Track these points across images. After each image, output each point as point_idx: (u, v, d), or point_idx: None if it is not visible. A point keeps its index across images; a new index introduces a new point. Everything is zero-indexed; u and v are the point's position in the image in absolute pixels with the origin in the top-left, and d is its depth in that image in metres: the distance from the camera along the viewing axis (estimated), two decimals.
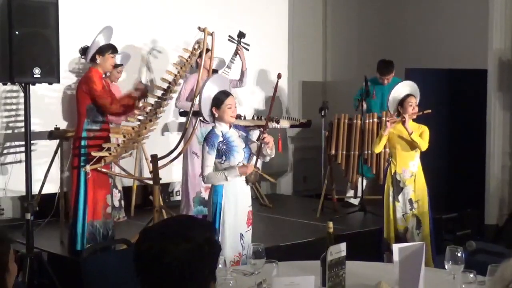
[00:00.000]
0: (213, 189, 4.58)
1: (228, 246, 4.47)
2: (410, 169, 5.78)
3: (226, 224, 4.50)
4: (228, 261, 4.41)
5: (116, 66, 6.50)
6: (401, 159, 5.79)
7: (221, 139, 4.47)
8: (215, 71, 6.54)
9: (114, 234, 5.76)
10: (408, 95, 5.76)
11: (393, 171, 5.82)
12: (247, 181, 4.57)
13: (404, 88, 5.84)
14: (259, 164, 4.88)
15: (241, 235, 4.56)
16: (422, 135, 5.72)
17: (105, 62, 5.60)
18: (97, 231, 5.62)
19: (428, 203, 5.83)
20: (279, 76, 5.39)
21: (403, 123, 5.70)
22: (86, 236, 5.55)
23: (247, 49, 7.02)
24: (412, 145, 5.73)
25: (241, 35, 7.01)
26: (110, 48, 5.61)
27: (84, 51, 5.75)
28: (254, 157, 4.69)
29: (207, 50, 6.12)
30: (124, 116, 6.12)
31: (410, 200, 5.79)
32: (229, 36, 6.95)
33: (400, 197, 5.81)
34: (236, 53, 6.95)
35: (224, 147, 4.47)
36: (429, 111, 5.78)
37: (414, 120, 5.80)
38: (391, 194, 5.84)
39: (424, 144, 5.71)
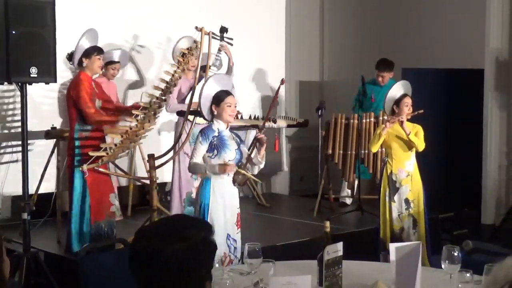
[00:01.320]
0: (200, 190, 4.60)
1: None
2: (406, 169, 5.78)
3: (214, 225, 4.49)
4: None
5: (111, 62, 6.49)
6: (397, 159, 5.79)
7: (216, 134, 4.55)
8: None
9: (116, 234, 5.75)
10: (404, 95, 5.77)
11: (389, 171, 5.82)
12: (234, 182, 4.60)
13: (400, 88, 5.84)
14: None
15: (228, 235, 4.57)
16: (417, 135, 5.73)
17: (92, 65, 5.58)
18: (102, 231, 5.61)
19: (424, 202, 5.84)
20: (282, 81, 5.42)
21: (401, 123, 5.70)
22: (92, 237, 5.55)
23: (231, 44, 6.95)
24: (409, 145, 5.74)
25: (224, 30, 6.93)
26: (95, 50, 5.59)
27: (70, 56, 5.74)
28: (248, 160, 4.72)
29: (190, 49, 6.05)
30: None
31: (407, 200, 5.79)
32: (212, 33, 6.88)
33: (396, 197, 5.81)
34: (219, 50, 6.88)
35: (217, 142, 4.52)
36: (421, 111, 5.79)
37: (408, 119, 5.81)
38: (387, 194, 5.84)
39: (421, 144, 5.71)
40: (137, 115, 5.59)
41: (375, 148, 5.98)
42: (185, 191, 6.53)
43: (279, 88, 5.17)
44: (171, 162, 6.52)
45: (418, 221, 5.81)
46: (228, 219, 4.59)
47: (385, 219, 5.85)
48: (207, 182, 4.54)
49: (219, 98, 4.56)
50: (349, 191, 7.66)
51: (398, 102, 5.76)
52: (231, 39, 6.92)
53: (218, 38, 6.87)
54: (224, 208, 4.56)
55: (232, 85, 4.93)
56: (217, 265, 3.25)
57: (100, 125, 5.67)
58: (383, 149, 6.48)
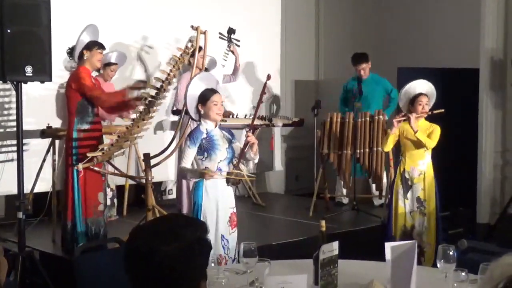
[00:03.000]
0: (193, 190, 4.56)
1: None
2: (419, 167, 5.78)
3: (207, 225, 4.47)
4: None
5: (109, 64, 6.51)
6: (410, 157, 5.80)
7: (204, 136, 4.48)
8: (206, 70, 6.55)
9: (106, 233, 5.74)
10: (419, 94, 5.75)
11: (402, 169, 5.84)
12: (227, 182, 4.56)
13: (418, 86, 5.81)
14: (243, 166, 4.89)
15: (222, 236, 4.53)
16: (431, 134, 5.72)
17: (92, 57, 5.57)
18: (88, 229, 5.60)
19: (436, 202, 5.84)
20: (268, 77, 5.44)
21: (409, 121, 5.70)
22: (79, 234, 5.54)
23: (237, 45, 7.04)
24: (419, 144, 5.74)
25: (231, 31, 7.01)
26: (96, 44, 5.60)
27: (71, 51, 5.74)
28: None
29: (200, 48, 6.11)
30: (118, 114, 6.13)
31: (418, 199, 5.81)
32: (220, 33, 6.95)
33: (408, 194, 5.83)
34: (228, 49, 6.97)
35: (207, 144, 4.47)
36: (442, 111, 5.78)
37: (426, 118, 5.81)
38: (399, 192, 5.85)
39: (430, 143, 5.71)
40: (137, 106, 5.60)
41: (387, 148, 6.01)
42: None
43: (265, 84, 5.18)
44: (173, 160, 6.55)
45: (429, 220, 5.82)
46: (221, 220, 4.55)
47: (397, 216, 5.86)
48: (200, 183, 4.51)
49: (205, 96, 4.49)
50: (344, 190, 7.66)
51: (413, 100, 5.76)
52: (238, 40, 6.99)
53: (226, 38, 6.94)
54: (217, 208, 4.53)
55: (217, 81, 4.89)
56: (212, 265, 3.25)
57: (111, 105, 5.65)
58: (379, 149, 6.51)
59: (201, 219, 4.44)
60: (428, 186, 5.81)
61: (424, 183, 5.79)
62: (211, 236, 4.43)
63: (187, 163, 4.49)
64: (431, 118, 5.85)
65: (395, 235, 5.84)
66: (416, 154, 5.78)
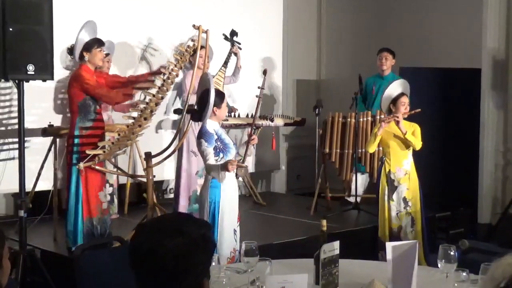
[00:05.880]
0: (209, 188, 4.59)
1: (226, 244, 4.53)
2: (404, 167, 5.79)
3: (225, 222, 4.54)
4: (225, 258, 4.46)
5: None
6: (395, 158, 5.80)
7: (216, 137, 4.57)
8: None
9: (111, 231, 5.74)
10: (401, 94, 5.77)
11: (387, 170, 5.83)
12: (237, 176, 4.70)
13: (397, 87, 5.85)
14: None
15: (234, 230, 4.65)
16: (414, 134, 5.74)
17: (93, 58, 5.56)
18: (94, 228, 5.60)
19: (421, 201, 5.85)
20: (264, 72, 5.48)
21: (397, 123, 5.71)
22: (83, 234, 5.54)
23: (239, 48, 7.05)
24: (406, 145, 5.75)
25: (233, 33, 7.03)
26: (95, 43, 5.57)
27: (71, 50, 5.73)
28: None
29: (201, 48, 6.11)
30: (126, 107, 6.18)
31: (404, 199, 5.81)
32: (223, 34, 6.98)
33: (394, 196, 5.82)
34: (230, 52, 6.99)
35: (221, 144, 4.57)
36: (419, 110, 5.80)
37: (405, 118, 5.82)
38: (385, 193, 5.84)
39: (418, 143, 5.72)
40: (138, 105, 5.65)
41: (371, 149, 6.00)
42: (191, 189, 6.56)
43: (264, 80, 5.25)
44: (173, 160, 6.55)
45: (415, 219, 5.82)
46: (233, 215, 4.67)
47: (384, 218, 5.86)
48: (216, 181, 4.56)
49: (219, 101, 4.63)
50: (347, 190, 7.65)
51: (395, 101, 5.77)
52: (240, 43, 7.01)
53: (229, 40, 6.96)
54: (231, 204, 4.63)
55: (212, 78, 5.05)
56: (213, 264, 3.25)
57: (120, 100, 5.70)
58: (381, 148, 6.50)
59: (218, 217, 4.53)
60: (413, 186, 5.82)
61: (409, 183, 5.80)
62: (227, 232, 4.55)
63: (212, 159, 4.52)
64: (410, 117, 5.87)
65: (383, 237, 5.82)
66: (400, 155, 5.79)
